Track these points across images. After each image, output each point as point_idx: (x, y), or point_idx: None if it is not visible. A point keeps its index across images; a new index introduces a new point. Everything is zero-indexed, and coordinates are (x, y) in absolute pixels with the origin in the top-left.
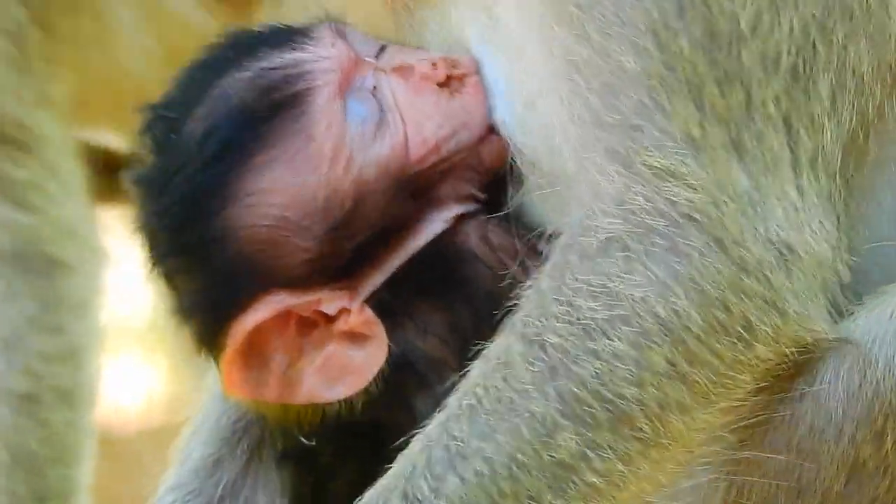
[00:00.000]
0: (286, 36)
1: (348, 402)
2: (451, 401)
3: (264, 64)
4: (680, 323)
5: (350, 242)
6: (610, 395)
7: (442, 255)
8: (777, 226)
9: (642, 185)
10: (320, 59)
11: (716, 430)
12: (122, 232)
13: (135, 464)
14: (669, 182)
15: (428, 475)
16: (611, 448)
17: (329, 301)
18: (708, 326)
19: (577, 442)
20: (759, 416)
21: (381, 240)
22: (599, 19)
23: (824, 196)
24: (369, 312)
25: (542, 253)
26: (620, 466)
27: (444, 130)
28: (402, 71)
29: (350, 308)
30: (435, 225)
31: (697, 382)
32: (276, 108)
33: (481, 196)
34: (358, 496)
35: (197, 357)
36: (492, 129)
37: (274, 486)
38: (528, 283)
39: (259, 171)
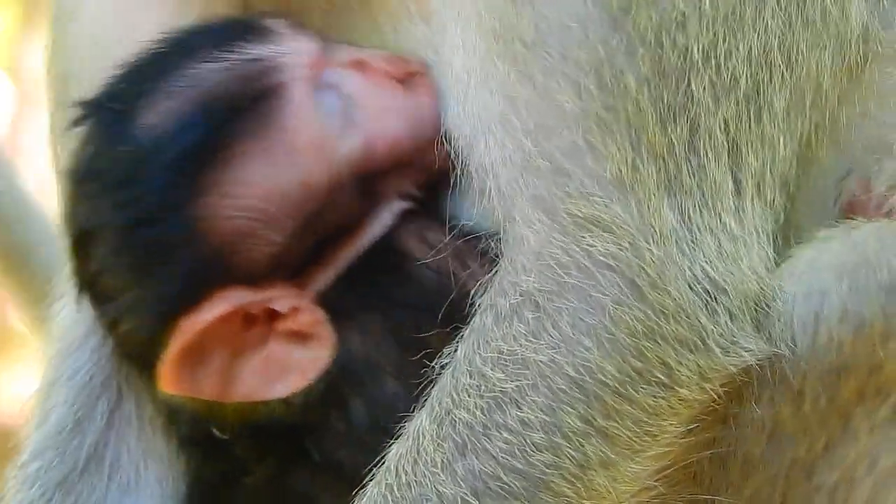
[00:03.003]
0: (249, 29)
1: (284, 400)
2: (370, 486)
3: (237, 56)
4: (592, 378)
5: (313, 237)
6: (522, 466)
7: (385, 254)
8: (705, 263)
9: (563, 236)
10: (291, 52)
11: (645, 479)
12: None
13: None
14: (590, 231)
15: None
16: None
17: (281, 298)
18: (624, 377)
19: None
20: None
21: (334, 236)
22: (544, 58)
23: (768, 213)
24: (319, 312)
25: (481, 251)
26: None
27: (403, 127)
28: (359, 66)
29: (300, 307)
30: (381, 220)
31: (618, 435)
32: (253, 99)
33: (419, 195)
34: (276, 493)
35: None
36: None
37: (142, 449)
38: (449, 348)
39: (236, 163)
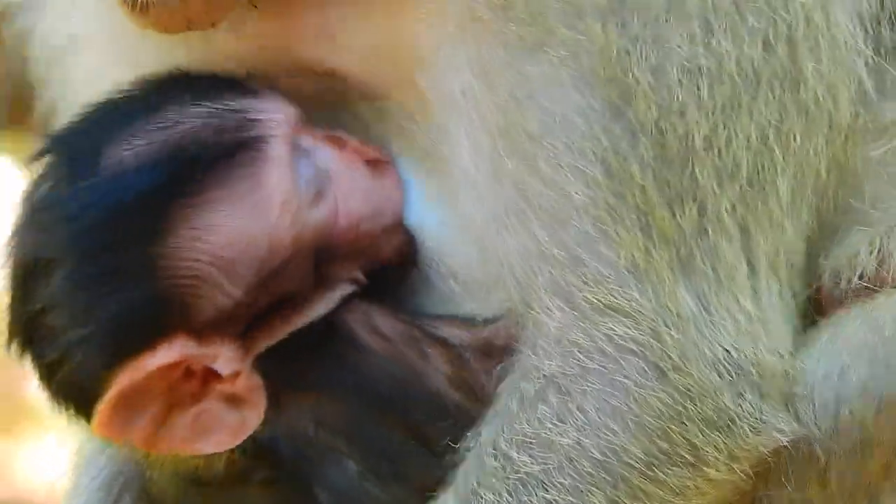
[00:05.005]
0: (231, 83)
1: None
2: None
3: (218, 104)
4: (618, 460)
5: (266, 299)
6: None
7: (331, 338)
8: (726, 344)
9: (582, 322)
10: (275, 109)
11: None
12: None
13: None
14: (609, 316)
15: None
16: None
17: (225, 359)
18: (650, 459)
19: None
20: None
21: (283, 305)
22: (550, 150)
23: (786, 292)
24: (257, 378)
25: (441, 338)
26: None
27: (367, 208)
28: (334, 141)
29: (240, 370)
30: (326, 302)
31: None
32: (232, 147)
33: (363, 281)
34: None
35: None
36: (401, 224)
37: None
38: (472, 430)
39: (205, 208)
